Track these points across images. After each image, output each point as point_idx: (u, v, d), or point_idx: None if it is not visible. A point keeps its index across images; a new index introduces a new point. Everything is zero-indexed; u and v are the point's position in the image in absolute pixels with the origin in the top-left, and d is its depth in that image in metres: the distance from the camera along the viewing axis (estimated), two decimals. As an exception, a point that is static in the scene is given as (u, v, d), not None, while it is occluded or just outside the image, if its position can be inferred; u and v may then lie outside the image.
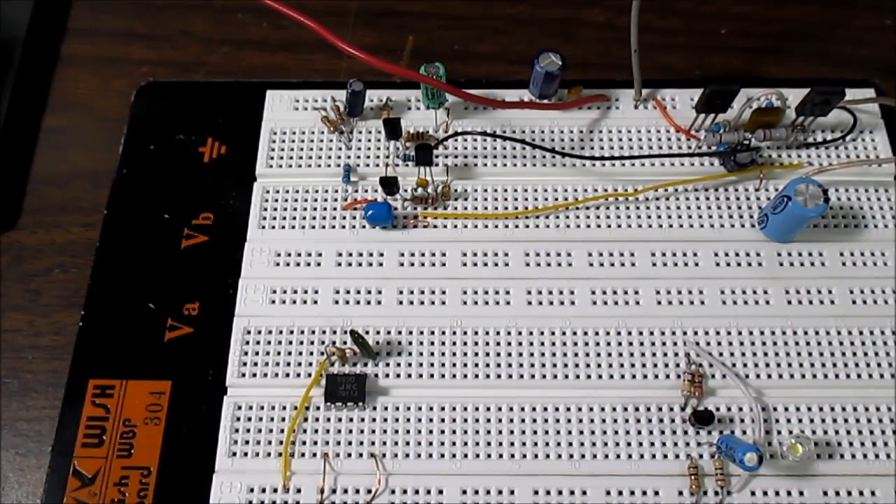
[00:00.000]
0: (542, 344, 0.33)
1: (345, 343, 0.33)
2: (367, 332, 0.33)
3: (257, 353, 0.33)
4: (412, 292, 0.34)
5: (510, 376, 0.33)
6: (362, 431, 0.32)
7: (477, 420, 0.32)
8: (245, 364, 0.33)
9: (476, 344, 0.33)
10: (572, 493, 0.31)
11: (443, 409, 0.32)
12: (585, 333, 0.33)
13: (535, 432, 0.32)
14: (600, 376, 0.33)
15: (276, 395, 0.32)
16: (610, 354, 0.33)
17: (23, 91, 0.41)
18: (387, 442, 0.32)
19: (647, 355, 0.33)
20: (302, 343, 0.33)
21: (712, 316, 0.34)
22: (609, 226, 0.36)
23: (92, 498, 0.31)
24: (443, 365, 0.33)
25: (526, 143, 0.37)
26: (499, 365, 0.33)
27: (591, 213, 0.36)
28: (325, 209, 0.36)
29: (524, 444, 0.32)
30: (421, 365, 0.33)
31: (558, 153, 0.36)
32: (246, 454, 0.31)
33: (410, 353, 0.33)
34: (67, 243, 0.38)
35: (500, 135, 0.37)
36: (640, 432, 0.32)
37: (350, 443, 0.32)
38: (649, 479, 0.31)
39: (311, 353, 0.33)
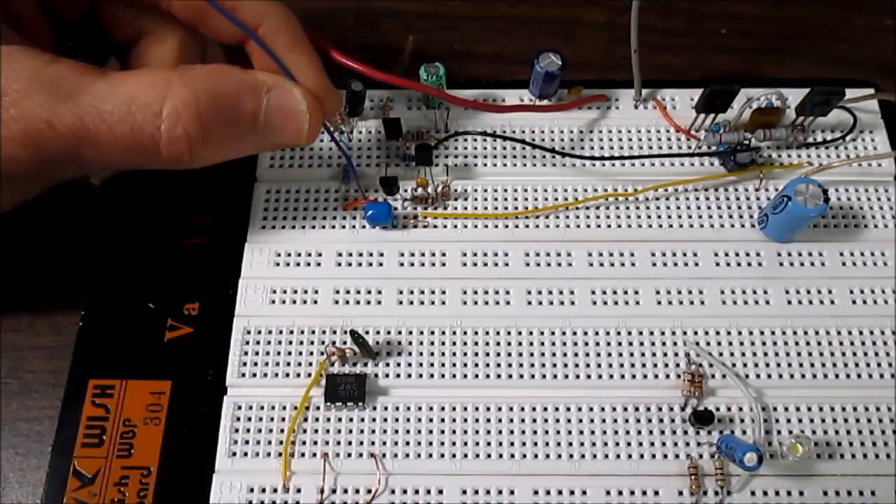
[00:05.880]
0: (542, 344, 0.33)
1: (345, 343, 0.33)
2: (367, 332, 0.33)
3: (257, 353, 0.33)
4: (412, 292, 0.34)
5: (510, 376, 0.33)
6: (362, 431, 0.32)
7: (477, 420, 0.32)
8: (245, 364, 0.33)
9: (476, 344, 0.33)
10: (572, 493, 0.31)
11: (443, 409, 0.32)
12: (585, 333, 0.33)
13: (536, 432, 0.32)
14: (600, 376, 0.33)
15: (276, 395, 0.32)
16: (610, 354, 0.33)
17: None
18: (387, 442, 0.32)
19: (647, 355, 0.33)
20: (302, 343, 0.33)
21: (712, 316, 0.34)
22: (609, 226, 0.36)
23: (92, 498, 0.31)
24: (443, 365, 0.33)
25: (526, 143, 0.37)
26: (499, 365, 0.33)
27: (591, 213, 0.36)
28: (325, 209, 0.36)
29: (524, 444, 0.32)
30: (421, 365, 0.33)
31: (558, 153, 0.36)
32: (246, 454, 0.31)
33: (410, 353, 0.33)
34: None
35: (500, 135, 0.37)
36: (640, 432, 0.32)
37: (350, 443, 0.32)
38: (649, 479, 0.31)
39: (311, 353, 0.33)
